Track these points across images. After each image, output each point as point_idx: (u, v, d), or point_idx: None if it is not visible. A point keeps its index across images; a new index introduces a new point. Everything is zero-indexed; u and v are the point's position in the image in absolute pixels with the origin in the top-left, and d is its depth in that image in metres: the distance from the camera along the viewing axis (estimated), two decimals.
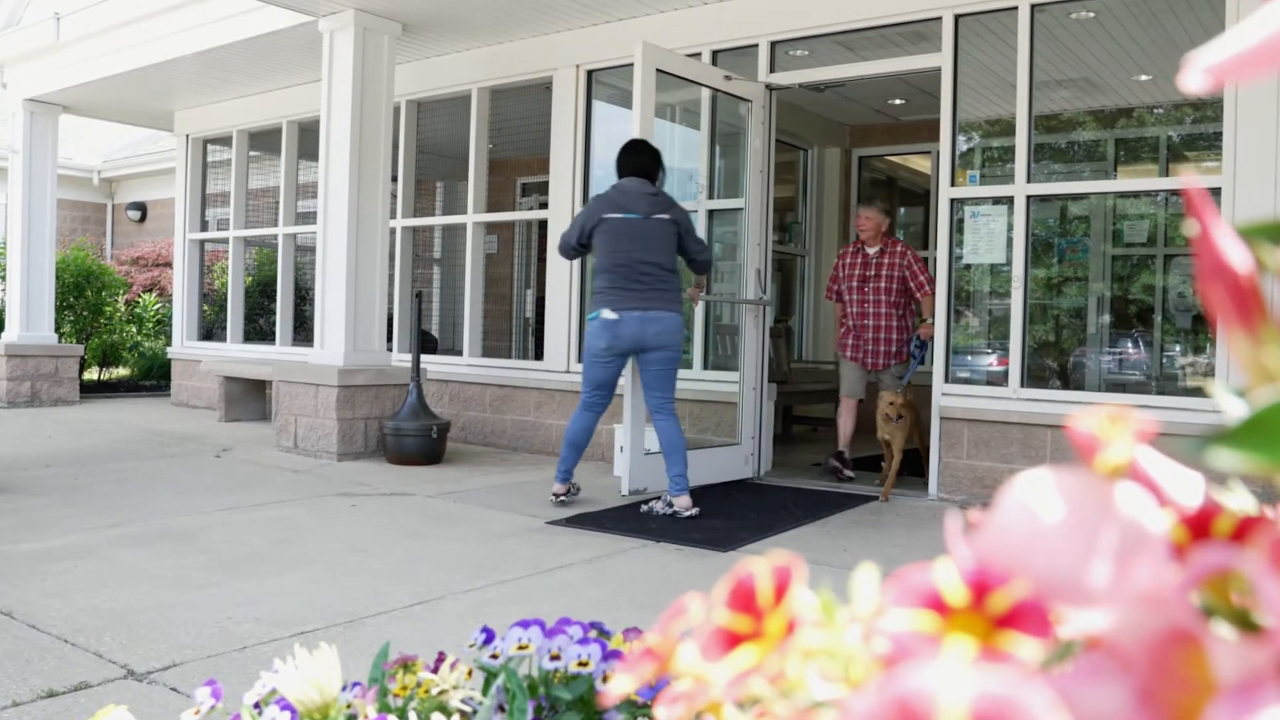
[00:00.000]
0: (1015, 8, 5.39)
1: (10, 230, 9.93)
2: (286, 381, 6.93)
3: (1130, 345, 6.60)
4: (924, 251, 8.85)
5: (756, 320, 6.24)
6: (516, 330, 10.91)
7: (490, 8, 6.73)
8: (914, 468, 6.03)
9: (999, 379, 5.65)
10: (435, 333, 10.55)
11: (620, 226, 4.95)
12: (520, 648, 0.93)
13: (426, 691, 0.90)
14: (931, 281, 5.92)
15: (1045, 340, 6.15)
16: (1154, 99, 6.09)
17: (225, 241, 10.03)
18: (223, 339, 9.99)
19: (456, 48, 7.66)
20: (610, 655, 0.91)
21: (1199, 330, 6.01)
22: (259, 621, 3.09)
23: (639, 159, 5.06)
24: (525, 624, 0.95)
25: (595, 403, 5.13)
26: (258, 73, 8.64)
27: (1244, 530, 0.32)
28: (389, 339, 7.63)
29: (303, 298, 9.75)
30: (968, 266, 5.78)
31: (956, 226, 5.66)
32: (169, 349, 10.56)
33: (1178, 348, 6.37)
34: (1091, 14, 5.46)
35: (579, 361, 6.75)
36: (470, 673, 0.93)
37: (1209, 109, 5.28)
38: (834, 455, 6.12)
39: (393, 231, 8.08)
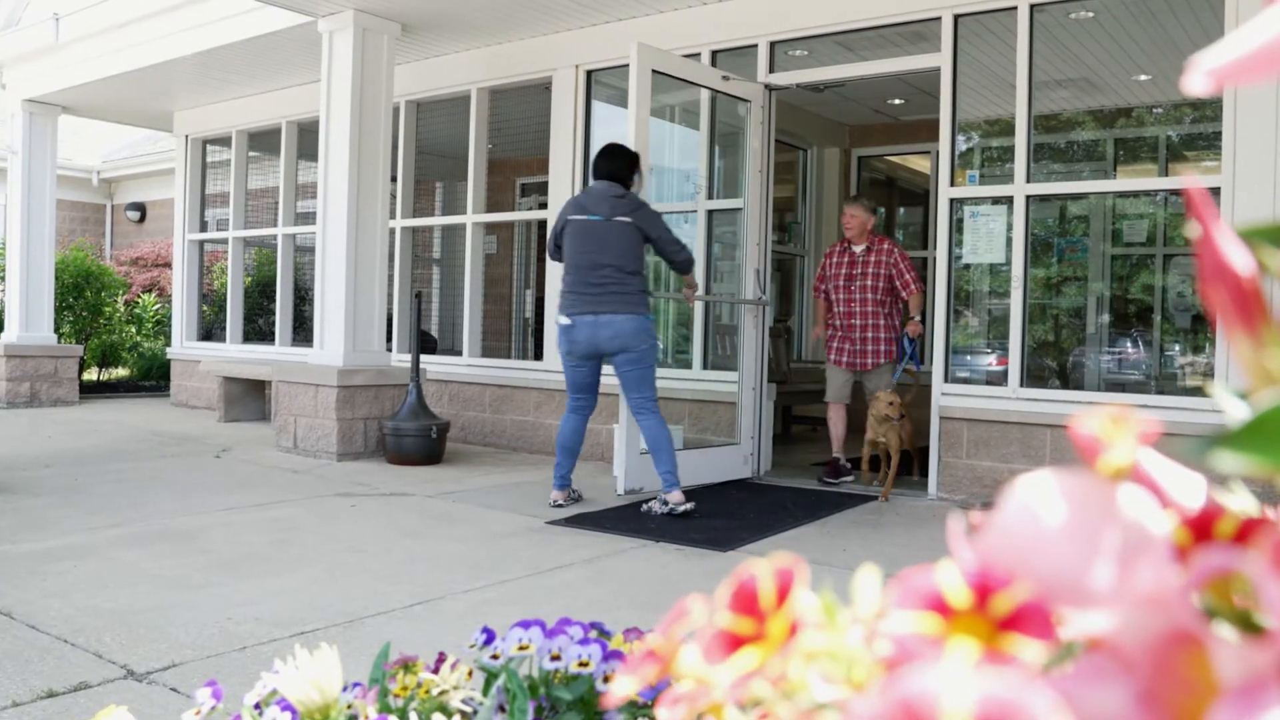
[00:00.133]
0: (1015, 8, 5.39)
1: (10, 231, 9.93)
2: (286, 382, 6.93)
3: (1129, 345, 6.61)
4: (923, 251, 8.87)
5: (756, 320, 6.24)
6: (516, 330, 10.91)
7: (490, 8, 6.73)
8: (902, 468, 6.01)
9: (998, 379, 5.65)
10: (435, 333, 10.55)
11: (583, 228, 5.00)
12: (521, 648, 0.93)
13: (427, 692, 0.90)
14: (918, 280, 5.90)
15: (1045, 340, 6.16)
16: (1153, 99, 6.09)
17: (225, 242, 10.03)
18: (222, 339, 9.99)
19: (456, 48, 7.66)
20: (611, 656, 0.91)
21: (1198, 330, 6.01)
22: (259, 621, 3.09)
23: (610, 162, 5.10)
24: (526, 624, 0.95)
25: (579, 406, 5.16)
26: (257, 73, 8.64)
27: (1246, 532, 0.32)
28: (388, 339, 7.63)
29: (302, 298, 9.75)
30: (967, 266, 5.78)
31: (956, 226, 5.66)
32: (168, 349, 10.56)
33: (1177, 347, 6.38)
34: (1091, 14, 5.47)
35: None
36: (470, 673, 0.93)
37: (1208, 109, 5.29)
38: (830, 466, 6.06)
39: (392, 232, 8.08)
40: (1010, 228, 5.44)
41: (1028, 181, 5.38)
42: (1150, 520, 0.31)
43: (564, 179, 7.15)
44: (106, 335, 11.51)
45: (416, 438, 6.42)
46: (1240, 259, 0.32)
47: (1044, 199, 5.71)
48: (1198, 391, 5.33)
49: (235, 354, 9.56)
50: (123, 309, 11.87)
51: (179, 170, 10.38)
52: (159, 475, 5.83)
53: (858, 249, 5.99)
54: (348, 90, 6.73)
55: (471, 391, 7.70)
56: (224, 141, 10.00)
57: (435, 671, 0.92)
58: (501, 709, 0.87)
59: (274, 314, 9.48)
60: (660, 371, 7.01)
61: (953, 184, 5.64)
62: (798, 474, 6.38)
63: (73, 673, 2.63)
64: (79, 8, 8.67)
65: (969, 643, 0.29)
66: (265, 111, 9.34)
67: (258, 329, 10.21)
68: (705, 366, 6.79)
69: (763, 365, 6.29)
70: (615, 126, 6.96)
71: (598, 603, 3.41)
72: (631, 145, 5.31)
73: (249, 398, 8.89)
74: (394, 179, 8.02)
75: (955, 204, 5.65)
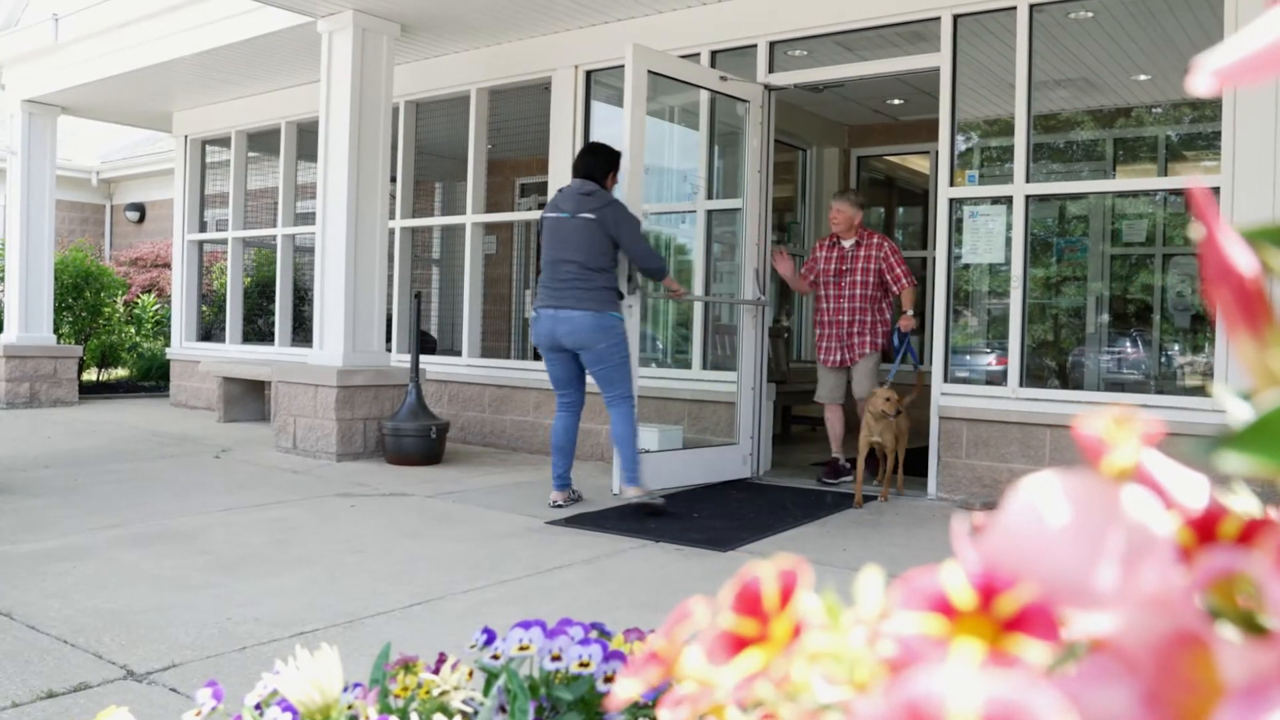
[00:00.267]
0: (1014, 8, 5.39)
1: (9, 231, 9.92)
2: (285, 382, 6.93)
3: (1129, 345, 6.61)
4: (923, 251, 8.87)
5: (755, 320, 6.24)
6: (515, 330, 10.90)
7: (489, 8, 6.73)
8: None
9: (998, 378, 5.65)
10: (434, 333, 10.55)
11: (553, 225, 5.12)
12: (522, 648, 0.93)
13: (428, 692, 0.90)
14: (910, 274, 5.88)
15: (1044, 340, 6.15)
16: (1152, 99, 6.09)
17: (224, 242, 10.02)
18: (221, 340, 9.98)
19: (455, 48, 7.66)
20: (612, 656, 0.91)
21: (1197, 330, 6.01)
22: (258, 622, 3.09)
23: (584, 160, 5.18)
24: (526, 625, 0.95)
25: (565, 403, 5.22)
26: (256, 74, 8.63)
27: (1250, 533, 0.32)
28: (388, 339, 7.63)
29: (301, 298, 9.75)
30: (966, 266, 5.78)
31: (955, 226, 5.66)
32: (168, 350, 10.56)
33: (1176, 347, 6.38)
34: (1090, 14, 5.47)
35: None
36: (471, 673, 0.93)
37: (1207, 109, 5.29)
38: (829, 466, 6.05)
39: (391, 232, 8.08)
40: (1010, 227, 5.44)
41: (1027, 181, 5.38)
42: (1154, 521, 0.31)
43: (563, 179, 7.10)
44: (106, 336, 11.50)
45: (416, 438, 6.42)
46: (1244, 260, 0.32)
47: (1043, 199, 5.71)
48: (1197, 391, 5.34)
49: (235, 354, 9.56)
50: (122, 309, 11.87)
51: (178, 171, 10.38)
52: (158, 476, 5.83)
53: (847, 244, 5.95)
54: (347, 90, 6.73)
55: (471, 392, 7.70)
56: (223, 142, 10.00)
57: (436, 672, 0.92)
58: (502, 709, 0.87)
59: (273, 314, 9.48)
60: (659, 371, 7.04)
61: (952, 184, 5.64)
62: (797, 474, 6.38)
63: (72, 673, 2.63)
64: (78, 8, 8.67)
65: (974, 644, 0.29)
66: (264, 112, 9.34)
67: (257, 329, 10.21)
68: (705, 366, 6.79)
69: (762, 365, 6.29)
70: (615, 126, 6.96)
71: (597, 603, 3.41)
72: (627, 146, 5.32)
73: (248, 398, 8.89)
74: (393, 179, 8.02)
75: (955, 204, 5.65)
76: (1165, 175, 5.90)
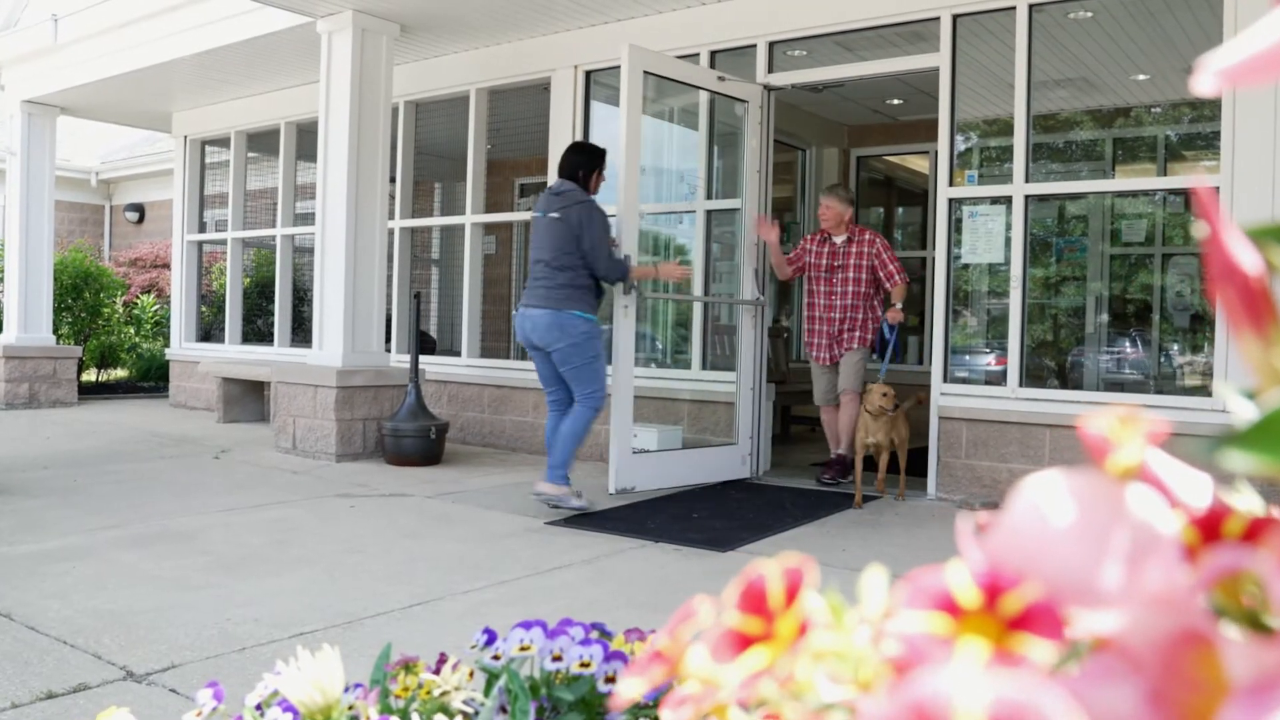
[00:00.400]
0: (1013, 8, 5.39)
1: (8, 232, 9.92)
2: (285, 382, 6.93)
3: (1128, 344, 6.61)
4: (922, 251, 8.87)
5: (754, 320, 6.24)
6: (515, 331, 10.90)
7: (489, 8, 6.72)
8: (892, 466, 6.00)
9: (997, 378, 5.65)
10: (434, 333, 10.54)
11: (533, 225, 5.20)
12: (522, 649, 0.93)
13: (428, 693, 0.90)
14: (902, 270, 5.87)
15: (1043, 340, 6.15)
16: (1152, 99, 6.10)
17: (223, 243, 10.02)
18: (221, 340, 9.98)
19: (455, 48, 7.66)
20: (612, 656, 0.91)
21: (1197, 329, 6.01)
22: (258, 622, 3.09)
23: (567, 158, 5.20)
24: (527, 625, 0.95)
25: (554, 401, 5.22)
26: (256, 74, 8.63)
27: (1254, 531, 0.32)
28: (387, 340, 7.63)
29: (301, 299, 9.74)
30: (966, 266, 5.78)
31: (955, 226, 5.66)
32: (167, 350, 10.55)
33: (1176, 347, 6.38)
34: (1089, 14, 5.47)
35: None
36: (472, 674, 0.93)
37: (1207, 108, 5.29)
38: (832, 465, 6.04)
39: (391, 232, 8.08)
40: (1009, 227, 5.44)
41: (1026, 181, 5.38)
42: (1159, 520, 0.31)
43: None
44: (105, 336, 11.50)
45: (415, 438, 6.42)
46: (1248, 258, 0.32)
47: (1043, 199, 5.71)
48: (1196, 391, 5.34)
49: (234, 355, 9.56)
50: (121, 310, 11.86)
51: (177, 171, 10.37)
52: (158, 476, 5.83)
53: (838, 240, 5.93)
54: (346, 91, 6.73)
55: (470, 392, 7.70)
56: (223, 142, 9.99)
57: (436, 672, 0.92)
58: (503, 710, 0.87)
59: (273, 315, 9.48)
60: (659, 371, 7.03)
61: (951, 184, 5.64)
62: (796, 474, 6.38)
63: (72, 674, 2.63)
64: (78, 8, 8.67)
65: (979, 643, 0.29)
66: (264, 112, 9.34)
67: (256, 330, 10.21)
68: (704, 366, 6.79)
69: (761, 365, 6.29)
70: (614, 126, 6.95)
71: (597, 603, 3.41)
72: (623, 147, 5.33)
73: (248, 398, 8.88)
74: (393, 179, 8.02)
75: (954, 204, 5.65)
76: (1165, 175, 5.90)
